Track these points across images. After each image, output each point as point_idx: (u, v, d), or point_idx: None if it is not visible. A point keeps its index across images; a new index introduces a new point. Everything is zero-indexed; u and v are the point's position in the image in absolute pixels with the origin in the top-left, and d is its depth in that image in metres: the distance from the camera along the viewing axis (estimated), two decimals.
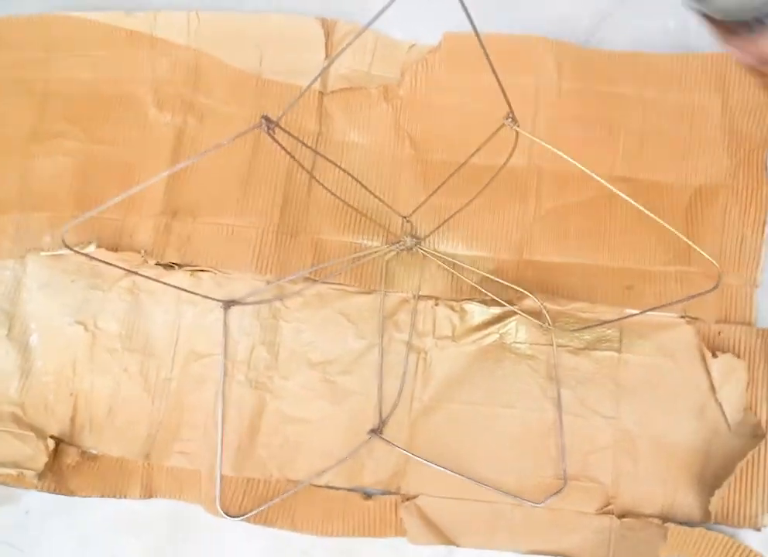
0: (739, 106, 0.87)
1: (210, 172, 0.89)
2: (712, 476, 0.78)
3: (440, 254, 0.86)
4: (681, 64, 0.89)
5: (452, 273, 0.86)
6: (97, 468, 0.84)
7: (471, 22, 0.43)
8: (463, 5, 0.42)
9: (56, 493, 0.83)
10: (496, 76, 0.49)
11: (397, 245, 0.85)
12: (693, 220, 0.85)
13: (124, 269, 0.74)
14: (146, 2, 0.96)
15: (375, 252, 0.87)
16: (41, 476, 0.81)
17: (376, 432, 0.81)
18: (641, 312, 0.75)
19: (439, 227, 0.84)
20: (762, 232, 0.84)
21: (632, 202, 0.53)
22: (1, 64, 0.96)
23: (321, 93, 0.92)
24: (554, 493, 0.78)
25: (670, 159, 0.87)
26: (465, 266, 0.86)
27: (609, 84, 0.89)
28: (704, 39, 0.89)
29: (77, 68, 0.94)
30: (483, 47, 0.45)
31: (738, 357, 0.81)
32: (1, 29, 0.97)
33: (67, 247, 0.66)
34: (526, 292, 0.83)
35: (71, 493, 0.83)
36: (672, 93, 0.88)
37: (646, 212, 0.53)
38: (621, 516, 0.78)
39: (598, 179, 0.52)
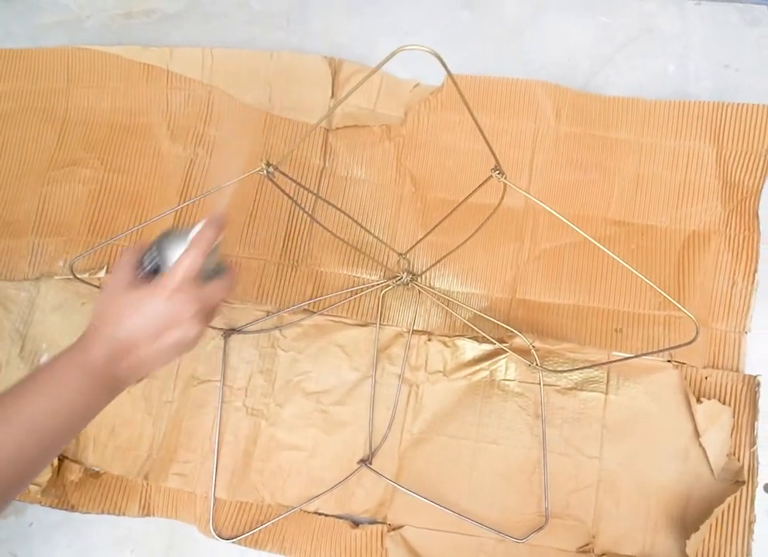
0: (733, 155, 0.88)
1: (217, 205, 0.92)
2: (693, 520, 0.78)
3: (435, 291, 0.88)
4: (678, 112, 0.90)
5: (446, 310, 0.87)
6: (98, 485, 0.86)
7: (448, 71, 0.44)
8: (439, 58, 0.43)
9: (59, 508, 0.85)
10: (477, 124, 0.49)
11: (394, 280, 0.87)
12: (685, 265, 0.86)
13: None
14: (163, 38, 1.00)
15: (373, 286, 0.88)
16: (45, 491, 0.83)
17: (366, 462, 0.83)
18: (627, 358, 0.76)
19: (435, 264, 0.85)
20: (753, 279, 0.85)
21: (611, 253, 0.53)
22: (27, 93, 1.00)
23: (327, 130, 0.94)
24: (536, 530, 0.79)
25: (665, 204, 0.88)
26: (459, 303, 0.87)
27: (606, 129, 0.90)
28: (701, 85, 0.92)
29: (96, 99, 0.98)
30: (460, 91, 0.46)
31: (724, 402, 0.81)
32: (28, 60, 1.01)
33: (76, 277, 0.69)
34: (515, 331, 0.84)
35: (73, 509, 0.85)
36: (668, 140, 0.89)
37: (626, 266, 0.54)
38: (601, 555, 0.79)
39: (579, 231, 0.53)
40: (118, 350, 0.57)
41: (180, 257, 0.57)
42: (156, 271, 0.59)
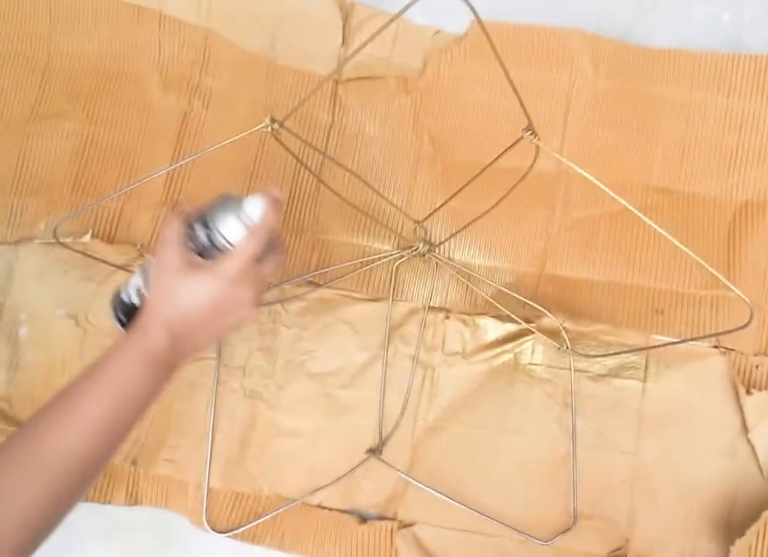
0: None
1: (214, 163, 0.84)
2: (738, 524, 0.73)
3: (454, 263, 0.82)
4: (732, 65, 0.82)
5: (466, 284, 0.81)
6: None
7: (478, 18, 0.38)
8: (469, 4, 0.37)
9: None
10: (508, 77, 0.45)
11: (409, 251, 0.81)
12: (736, 238, 0.79)
13: (114, 266, 0.70)
14: None
15: (385, 257, 0.82)
16: None
17: (375, 452, 0.78)
18: (669, 343, 0.69)
19: (456, 233, 0.80)
20: None
21: (652, 224, 0.50)
22: (4, 37, 0.91)
23: (336, 82, 0.86)
24: (563, 532, 0.74)
25: (715, 170, 0.81)
26: (481, 278, 0.81)
27: (649, 85, 0.83)
28: (760, 36, 0.83)
29: (81, 44, 0.89)
30: (490, 40, 0.41)
31: None
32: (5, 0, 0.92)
33: (59, 242, 0.62)
34: (544, 310, 0.78)
35: None
36: (720, 97, 0.82)
37: (670, 238, 0.48)
38: None
39: (618, 198, 0.47)
40: (179, 335, 0.57)
41: (244, 243, 0.57)
42: (204, 247, 0.58)
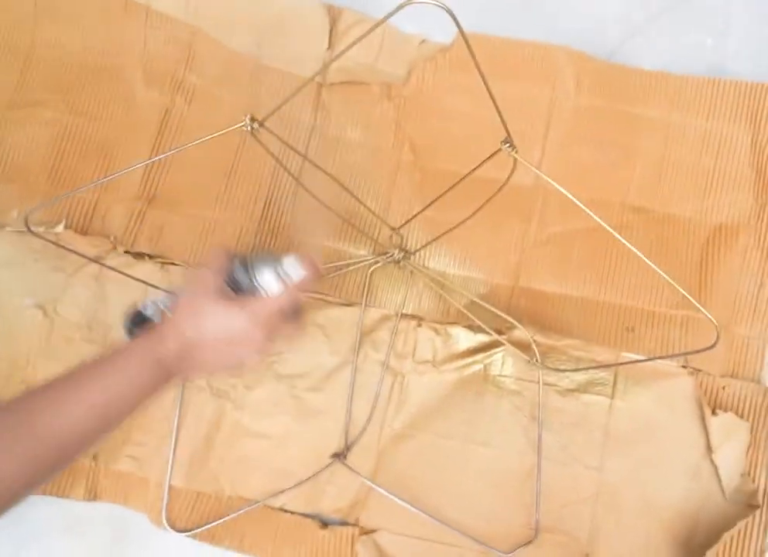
0: None
1: (192, 161, 0.83)
2: (699, 544, 0.73)
3: (428, 272, 0.81)
4: (712, 90, 0.82)
5: (440, 293, 0.80)
6: None
7: (460, 28, 0.38)
8: (452, 15, 0.37)
9: None
10: (488, 89, 0.45)
11: (384, 257, 0.80)
12: (708, 261, 0.80)
13: (87, 258, 0.69)
14: None
15: (360, 262, 0.81)
16: None
17: (340, 456, 0.77)
18: (638, 361, 0.69)
19: (431, 242, 0.79)
20: None
21: (627, 243, 0.51)
22: None
23: (320, 85, 0.86)
24: (524, 544, 0.73)
25: (690, 192, 0.81)
26: (455, 287, 0.81)
27: (631, 104, 0.83)
28: (743, 63, 0.83)
29: (65, 34, 0.88)
30: (471, 51, 0.41)
31: (742, 416, 0.75)
32: None
33: (30, 231, 0.61)
34: (515, 322, 0.77)
35: None
36: (699, 120, 0.82)
37: (643, 258, 0.48)
38: None
39: (593, 216, 0.48)
40: (188, 348, 0.59)
41: (279, 295, 0.61)
42: (238, 285, 0.63)
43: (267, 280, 0.62)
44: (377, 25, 0.40)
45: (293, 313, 0.64)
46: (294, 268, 0.61)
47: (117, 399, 0.56)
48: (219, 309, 0.60)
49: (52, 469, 0.54)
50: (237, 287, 0.62)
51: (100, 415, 0.55)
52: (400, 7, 0.38)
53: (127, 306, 0.68)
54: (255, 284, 0.62)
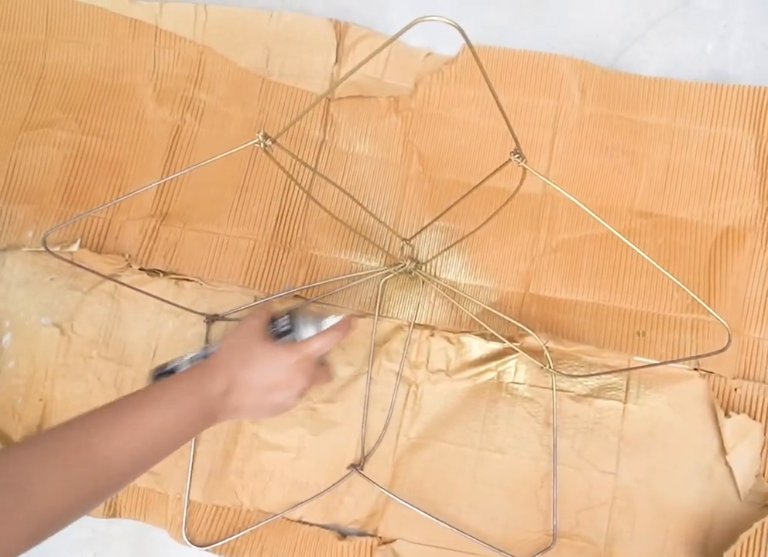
0: None
1: (204, 178, 0.84)
2: (715, 546, 0.72)
3: (440, 281, 0.81)
4: (715, 95, 0.82)
5: (452, 302, 0.81)
6: None
7: (469, 43, 0.38)
8: (461, 31, 0.37)
9: None
10: (497, 100, 0.44)
11: (395, 268, 0.80)
12: (717, 264, 0.79)
13: (102, 276, 0.70)
14: None
15: (372, 274, 0.81)
16: None
17: (357, 467, 0.77)
18: (650, 365, 0.69)
19: (442, 252, 0.80)
20: None
21: (635, 248, 0.49)
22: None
23: (328, 99, 0.86)
24: (542, 551, 0.73)
25: (697, 196, 0.81)
26: (466, 296, 0.81)
27: (635, 111, 0.83)
28: (742, 67, 0.84)
29: (76, 54, 0.90)
30: (480, 64, 0.41)
31: (754, 417, 0.75)
32: (2, 7, 0.92)
33: (48, 250, 0.62)
34: (528, 329, 0.77)
35: None
36: (703, 125, 0.82)
37: (652, 262, 0.48)
38: None
39: (602, 222, 0.48)
40: (234, 388, 0.62)
41: (317, 336, 0.67)
42: (281, 335, 0.69)
43: (308, 330, 0.69)
44: (388, 42, 0.40)
45: (320, 362, 0.69)
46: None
47: (168, 427, 0.58)
48: (266, 351, 0.63)
49: (103, 494, 0.55)
50: (278, 335, 0.68)
51: (151, 442, 0.56)
52: (411, 24, 0.38)
53: (156, 366, 0.71)
54: (295, 332, 0.68)
